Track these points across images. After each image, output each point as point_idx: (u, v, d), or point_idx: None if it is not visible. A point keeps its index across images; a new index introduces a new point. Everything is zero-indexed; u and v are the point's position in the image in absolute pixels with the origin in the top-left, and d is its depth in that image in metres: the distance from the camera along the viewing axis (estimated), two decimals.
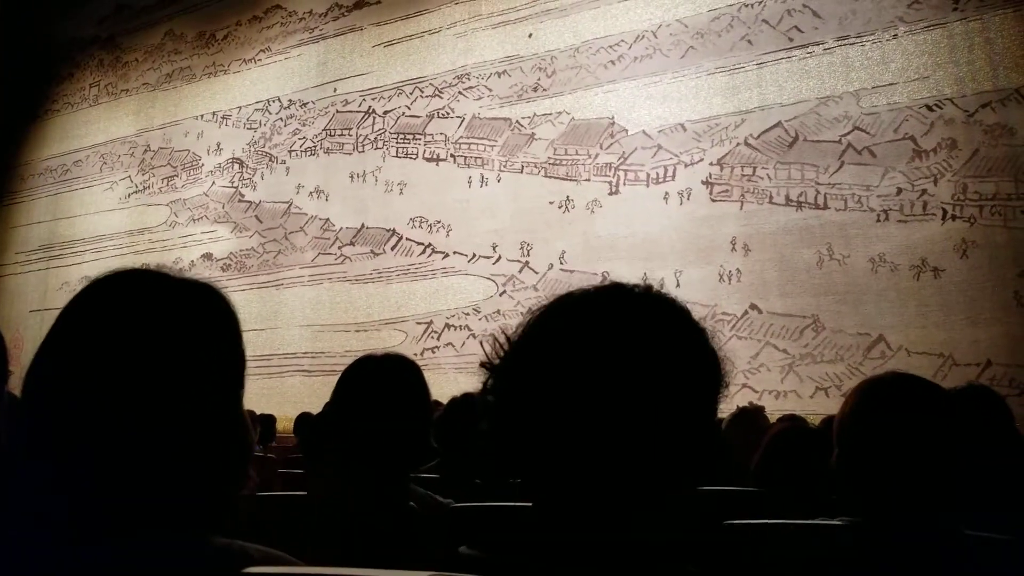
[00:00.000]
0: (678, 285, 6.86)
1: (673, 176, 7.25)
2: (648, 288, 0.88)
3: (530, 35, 8.21)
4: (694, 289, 6.71)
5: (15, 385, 1.52)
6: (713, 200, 7.04)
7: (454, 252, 8.22)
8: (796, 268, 6.60)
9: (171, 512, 0.90)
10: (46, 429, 0.90)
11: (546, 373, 0.82)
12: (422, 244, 8.46)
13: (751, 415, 3.62)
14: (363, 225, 8.93)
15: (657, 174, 7.32)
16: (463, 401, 3.57)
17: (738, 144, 7.01)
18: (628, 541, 0.78)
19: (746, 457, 2.48)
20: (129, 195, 11.10)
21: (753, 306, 6.69)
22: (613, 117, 7.62)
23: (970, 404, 2.29)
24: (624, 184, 7.45)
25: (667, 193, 7.23)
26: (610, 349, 0.81)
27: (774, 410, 5.19)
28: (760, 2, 7.19)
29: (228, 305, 1.04)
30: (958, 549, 1.30)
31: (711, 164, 7.10)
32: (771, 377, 6.46)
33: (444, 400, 4.03)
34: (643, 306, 0.86)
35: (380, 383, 1.92)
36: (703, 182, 7.11)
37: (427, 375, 2.06)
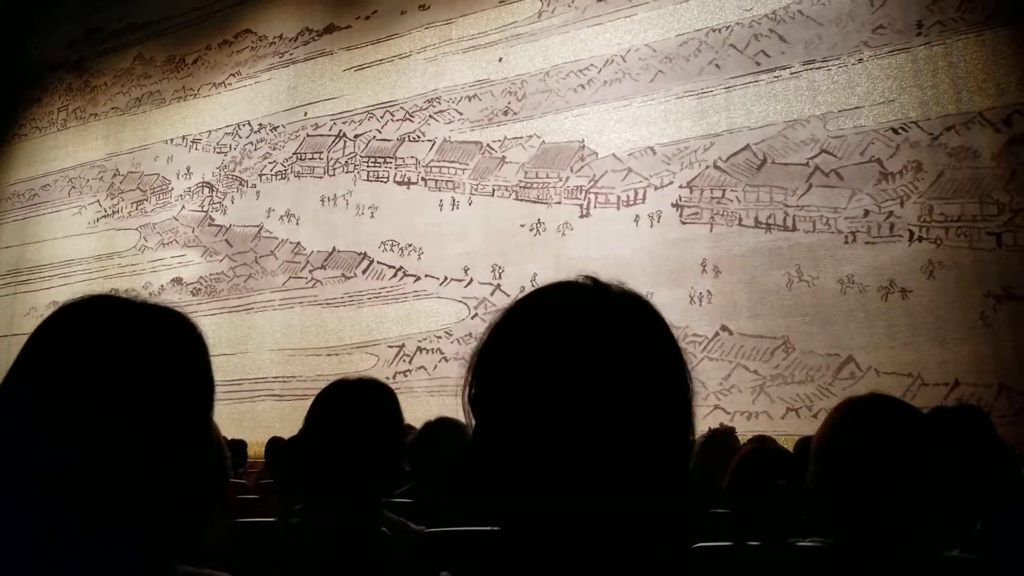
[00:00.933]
0: None
1: (643, 199, 7.30)
2: (616, 284, 0.86)
3: (500, 59, 8.27)
4: (665, 311, 6.60)
5: None
6: (683, 222, 7.10)
7: (426, 275, 8.20)
8: (766, 289, 6.66)
9: (134, 536, 0.89)
10: (13, 453, 0.90)
11: (517, 379, 0.79)
12: (393, 267, 8.44)
13: (723, 437, 3.63)
14: (334, 249, 8.89)
15: (627, 197, 7.37)
16: (437, 425, 3.55)
17: (707, 167, 7.09)
18: (605, 559, 0.77)
19: (718, 479, 2.48)
20: (98, 219, 10.97)
21: (724, 327, 6.74)
22: (583, 140, 7.68)
23: (959, 423, 2.31)
24: (595, 207, 7.49)
25: (637, 215, 7.28)
26: (585, 348, 0.79)
27: (745, 431, 5.21)
28: (728, 27, 7.30)
29: (195, 330, 1.05)
30: (936, 571, 1.30)
31: (680, 187, 7.17)
32: (742, 398, 6.49)
33: (417, 424, 4.01)
34: (613, 301, 0.84)
35: (353, 407, 1.92)
36: (673, 205, 7.17)
37: (399, 398, 2.04)
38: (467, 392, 0.82)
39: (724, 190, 6.99)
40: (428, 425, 3.60)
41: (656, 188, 7.26)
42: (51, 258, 11.31)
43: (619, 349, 0.79)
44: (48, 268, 11.30)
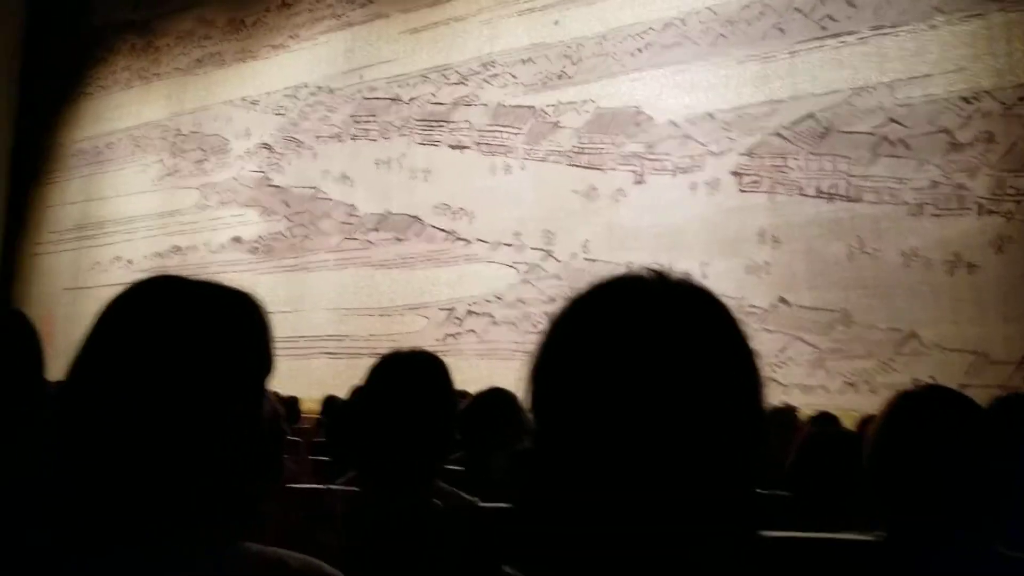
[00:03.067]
0: (704, 276, 6.78)
1: (701, 166, 7.18)
2: (686, 278, 0.82)
3: (556, 22, 8.15)
4: (720, 281, 6.65)
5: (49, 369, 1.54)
6: (742, 191, 6.97)
7: (477, 240, 8.21)
8: (826, 261, 6.53)
9: (201, 517, 0.91)
10: (80, 434, 0.94)
11: (580, 382, 0.77)
12: (445, 231, 8.46)
13: (784, 416, 3.58)
14: (388, 211, 8.95)
15: (684, 164, 7.26)
16: (490, 396, 3.58)
17: (769, 134, 6.93)
18: (675, 553, 0.76)
19: (778, 458, 2.45)
20: (161, 177, 11.19)
21: (781, 299, 6.63)
22: (640, 106, 7.56)
23: (1011, 414, 2.23)
24: (650, 173, 7.40)
25: (694, 183, 7.17)
26: (651, 346, 0.76)
27: (802, 404, 5.14)
28: None
29: (258, 310, 1.06)
30: (989, 568, 1.27)
31: (740, 154, 7.03)
32: (799, 371, 6.40)
33: (466, 386, 4.04)
34: (681, 298, 0.80)
35: (406, 379, 1.95)
36: (732, 172, 7.04)
37: (449, 361, 2.07)
38: (528, 393, 0.81)
39: (786, 158, 6.84)
40: (480, 396, 3.63)
41: (714, 155, 7.13)
42: (115, 214, 11.59)
43: (687, 350, 0.76)
44: (112, 224, 11.58)
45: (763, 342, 6.43)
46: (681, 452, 0.74)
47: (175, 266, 10.47)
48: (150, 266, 10.77)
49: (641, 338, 0.76)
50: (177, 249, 10.77)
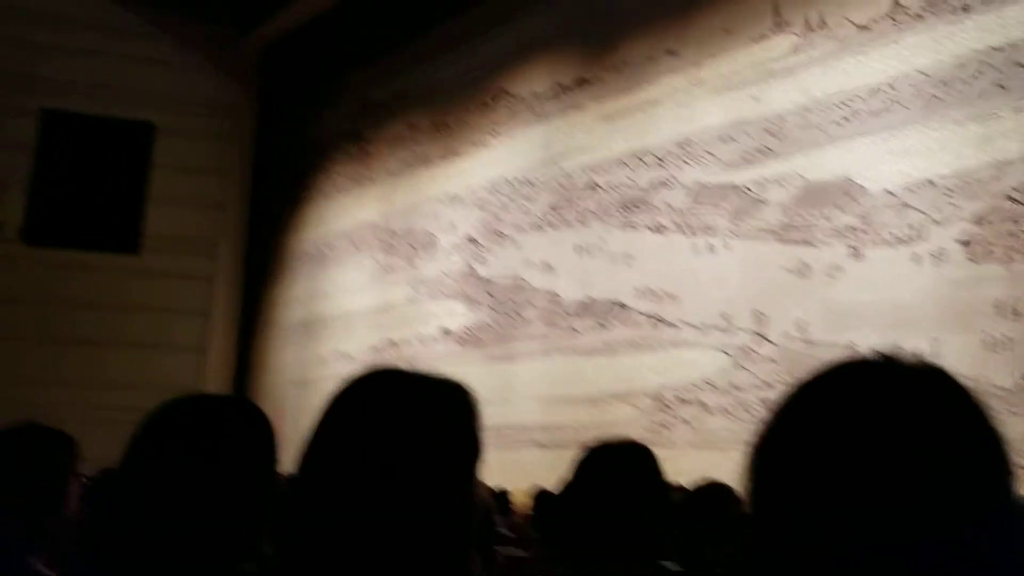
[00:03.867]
0: (936, 355, 6.26)
1: (923, 236, 6.70)
2: (921, 361, 0.77)
3: (755, 98, 8.01)
4: (954, 359, 6.09)
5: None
6: (972, 261, 6.42)
7: (684, 323, 8.05)
8: None
9: None
10: (313, 523, 1.02)
11: (811, 471, 0.72)
12: (650, 316, 8.36)
13: None
14: (590, 298, 9.00)
15: (905, 235, 6.80)
16: (707, 490, 3.44)
17: (998, 198, 6.37)
18: None
19: None
20: (376, 275, 11.93)
21: None
22: (851, 176, 7.21)
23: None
24: (867, 247, 6.99)
25: (917, 255, 6.69)
26: (887, 436, 0.71)
27: None
28: (1012, 44, 6.57)
29: (469, 398, 1.14)
30: None
31: (967, 221, 6.49)
32: None
33: (680, 479, 3.90)
34: (921, 383, 0.75)
35: (615, 471, 1.93)
36: (959, 241, 6.51)
37: (660, 451, 2.00)
38: (750, 486, 0.77)
39: (1019, 222, 6.24)
40: (697, 489, 3.51)
41: (937, 224, 6.63)
42: (335, 311, 12.45)
43: (928, 439, 0.71)
44: (333, 320, 12.43)
45: (1010, 426, 5.79)
46: (926, 551, 0.67)
47: (390, 358, 11.02)
48: (367, 359, 11.40)
49: (876, 428, 0.71)
50: (391, 342, 11.34)
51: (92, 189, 13.10)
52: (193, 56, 14.17)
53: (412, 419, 1.06)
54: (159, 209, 13.45)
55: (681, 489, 3.50)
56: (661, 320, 8.22)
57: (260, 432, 1.48)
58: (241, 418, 1.49)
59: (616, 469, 1.93)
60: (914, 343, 6.37)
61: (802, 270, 7.30)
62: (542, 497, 5.70)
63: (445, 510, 1.02)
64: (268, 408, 1.64)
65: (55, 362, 12.61)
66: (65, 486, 2.18)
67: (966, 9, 6.76)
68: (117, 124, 13.34)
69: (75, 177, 13.08)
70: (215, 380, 13.32)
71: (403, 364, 1.18)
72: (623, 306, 8.60)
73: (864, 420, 0.72)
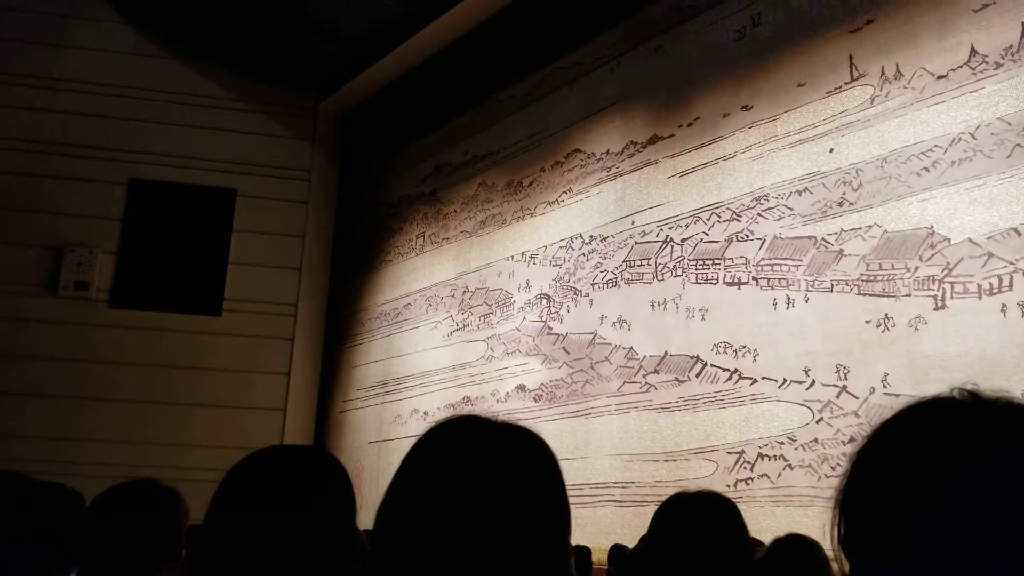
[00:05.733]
0: None
1: (1010, 286, 6.50)
2: (1007, 398, 0.76)
3: (831, 150, 7.95)
4: None
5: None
6: None
7: (763, 378, 7.91)
8: None
9: None
10: (397, 556, 1.01)
11: (899, 521, 0.72)
12: (728, 370, 8.25)
13: None
14: (666, 352, 8.92)
15: (990, 284, 6.61)
16: (788, 543, 3.37)
17: None
18: None
19: None
20: (451, 333, 12.06)
21: None
22: (932, 226, 7.07)
23: None
24: (951, 297, 6.80)
25: (1004, 305, 6.49)
26: (977, 475, 0.70)
27: None
28: None
29: (547, 448, 1.14)
30: None
31: None
32: None
33: (762, 536, 3.82)
34: (1000, 417, 0.74)
35: (695, 522, 1.88)
36: None
37: (741, 508, 1.95)
38: (836, 532, 0.77)
39: None
40: (778, 542, 3.43)
41: None
42: (412, 369, 12.58)
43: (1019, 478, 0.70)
44: (410, 379, 12.56)
45: None
46: None
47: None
48: (444, 417, 11.45)
49: (963, 467, 0.70)
50: (467, 400, 11.40)
51: (176, 254, 13.66)
52: (272, 123, 14.78)
53: (503, 468, 1.06)
54: (241, 272, 13.94)
55: (761, 545, 3.44)
56: (740, 374, 8.10)
57: (337, 478, 1.52)
58: (319, 466, 1.54)
59: (696, 521, 1.88)
60: None
61: (884, 322, 7.14)
62: (617, 552, 5.63)
63: (542, 562, 1.00)
64: (347, 466, 1.69)
65: (140, 421, 13.02)
66: (178, 539, 2.35)
67: None
68: (200, 191, 13.96)
69: (160, 242, 13.69)
70: (295, 439, 13.54)
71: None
72: (701, 361, 8.51)
73: (949, 461, 0.72)
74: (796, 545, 3.27)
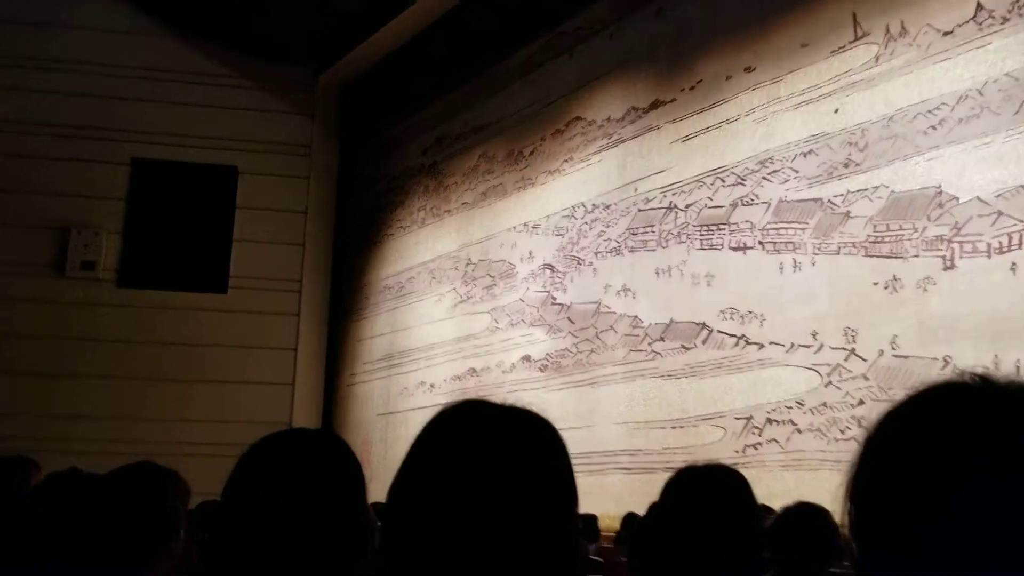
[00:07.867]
0: None
1: (1020, 244, 6.43)
2: (1010, 380, 0.73)
3: (836, 111, 7.85)
4: None
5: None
6: None
7: (770, 343, 7.87)
8: None
9: None
10: (407, 540, 1.02)
11: (911, 498, 0.69)
12: (735, 336, 8.21)
13: None
14: (672, 320, 8.89)
15: (1000, 243, 6.54)
16: (799, 511, 3.36)
17: None
18: None
19: None
20: (455, 305, 12.05)
21: None
22: (940, 185, 6.98)
23: None
24: (960, 257, 6.74)
25: (1014, 263, 6.42)
26: (989, 458, 0.67)
27: None
28: None
29: (554, 430, 1.15)
30: None
31: None
32: None
33: (770, 501, 3.81)
34: (1013, 402, 0.71)
35: (705, 496, 1.92)
36: None
37: (750, 473, 1.96)
38: (848, 518, 0.75)
39: None
40: (788, 511, 3.42)
41: None
42: (417, 342, 12.59)
43: None
44: (415, 352, 12.57)
45: None
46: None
47: (472, 387, 11.08)
48: (449, 388, 11.49)
49: (974, 450, 0.68)
50: (472, 371, 11.40)
51: (181, 232, 13.65)
52: (272, 99, 14.68)
53: (511, 453, 1.07)
54: (245, 249, 13.91)
55: (771, 511, 3.43)
56: (747, 340, 8.07)
57: (347, 459, 1.56)
58: (330, 447, 1.58)
59: (706, 493, 1.92)
60: (1015, 356, 6.10)
61: (892, 284, 7.08)
62: (630, 520, 5.62)
63: (548, 544, 1.02)
64: (355, 439, 1.68)
65: (148, 398, 13.07)
66: (177, 522, 2.36)
67: None
68: (202, 169, 13.91)
69: (165, 222, 13.67)
70: (303, 414, 13.60)
71: (484, 392, 1.18)
72: (707, 327, 8.47)
73: (960, 445, 0.69)
74: (805, 513, 3.26)
